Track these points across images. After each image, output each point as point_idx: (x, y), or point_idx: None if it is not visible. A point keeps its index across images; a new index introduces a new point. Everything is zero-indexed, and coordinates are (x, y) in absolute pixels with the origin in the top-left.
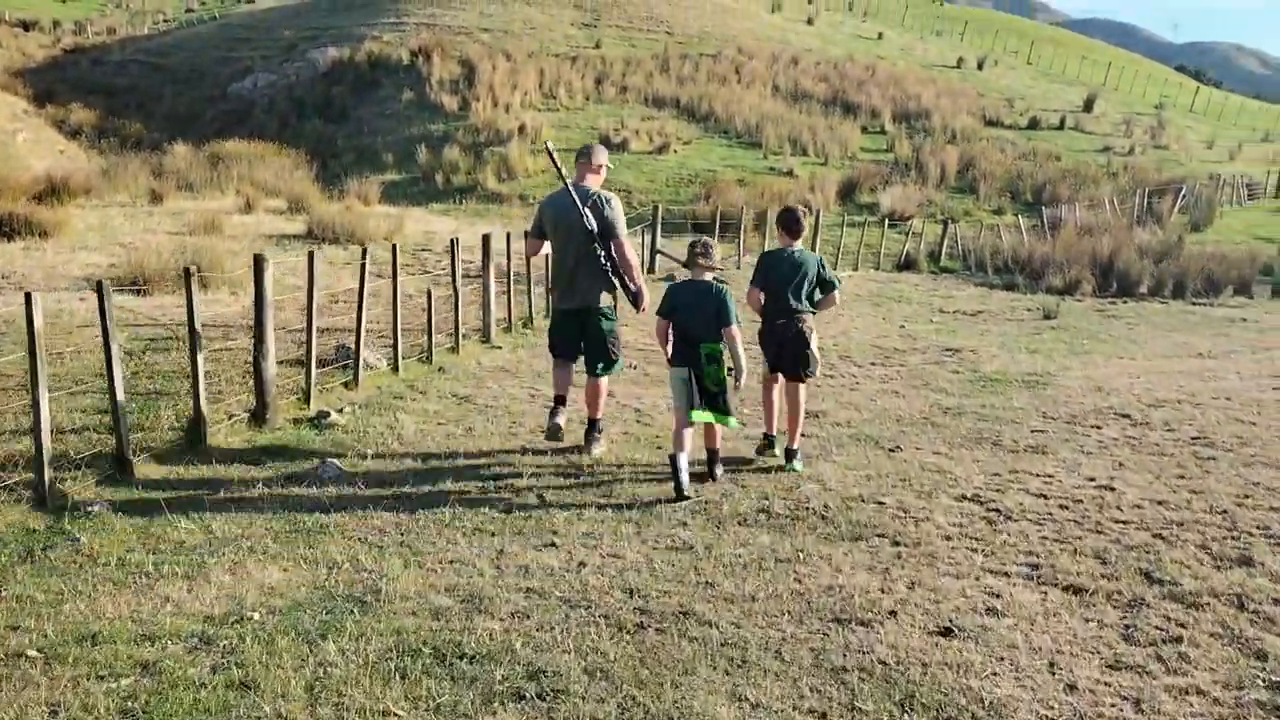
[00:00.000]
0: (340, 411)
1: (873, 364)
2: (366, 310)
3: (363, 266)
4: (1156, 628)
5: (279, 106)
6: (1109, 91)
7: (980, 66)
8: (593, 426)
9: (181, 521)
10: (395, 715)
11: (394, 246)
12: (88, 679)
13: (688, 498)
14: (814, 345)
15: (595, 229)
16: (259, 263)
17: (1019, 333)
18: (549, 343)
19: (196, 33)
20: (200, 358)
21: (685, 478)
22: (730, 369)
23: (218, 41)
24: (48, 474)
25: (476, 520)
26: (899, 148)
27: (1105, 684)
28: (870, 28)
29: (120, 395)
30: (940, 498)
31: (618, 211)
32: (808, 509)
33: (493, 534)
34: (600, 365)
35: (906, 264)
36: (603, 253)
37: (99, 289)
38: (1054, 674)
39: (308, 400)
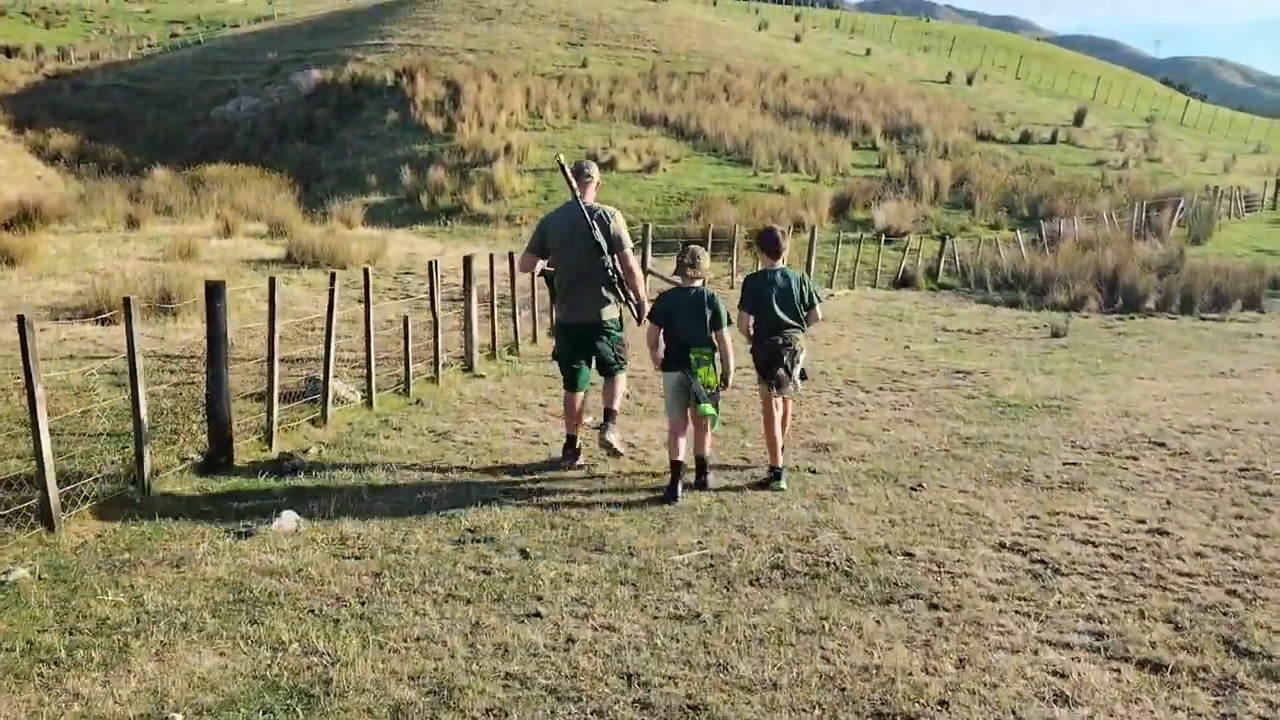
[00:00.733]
0: (306, 452)
1: (881, 389)
2: (342, 339)
3: (331, 292)
4: (1261, 717)
5: (262, 130)
6: (1099, 105)
7: (970, 81)
8: (609, 416)
9: (109, 592)
10: None
11: (365, 271)
12: None
13: (674, 499)
14: (801, 363)
15: (605, 243)
16: (211, 290)
17: (1029, 352)
18: (559, 365)
19: (179, 57)
20: (142, 395)
21: (680, 487)
22: (721, 375)
23: (200, 65)
24: None
25: (449, 583)
26: (891, 163)
27: None
28: (858, 44)
29: (45, 444)
30: (976, 547)
31: (622, 225)
32: (829, 564)
33: (468, 601)
34: (612, 366)
35: (904, 281)
36: (610, 266)
37: (20, 323)
38: None
39: (269, 441)
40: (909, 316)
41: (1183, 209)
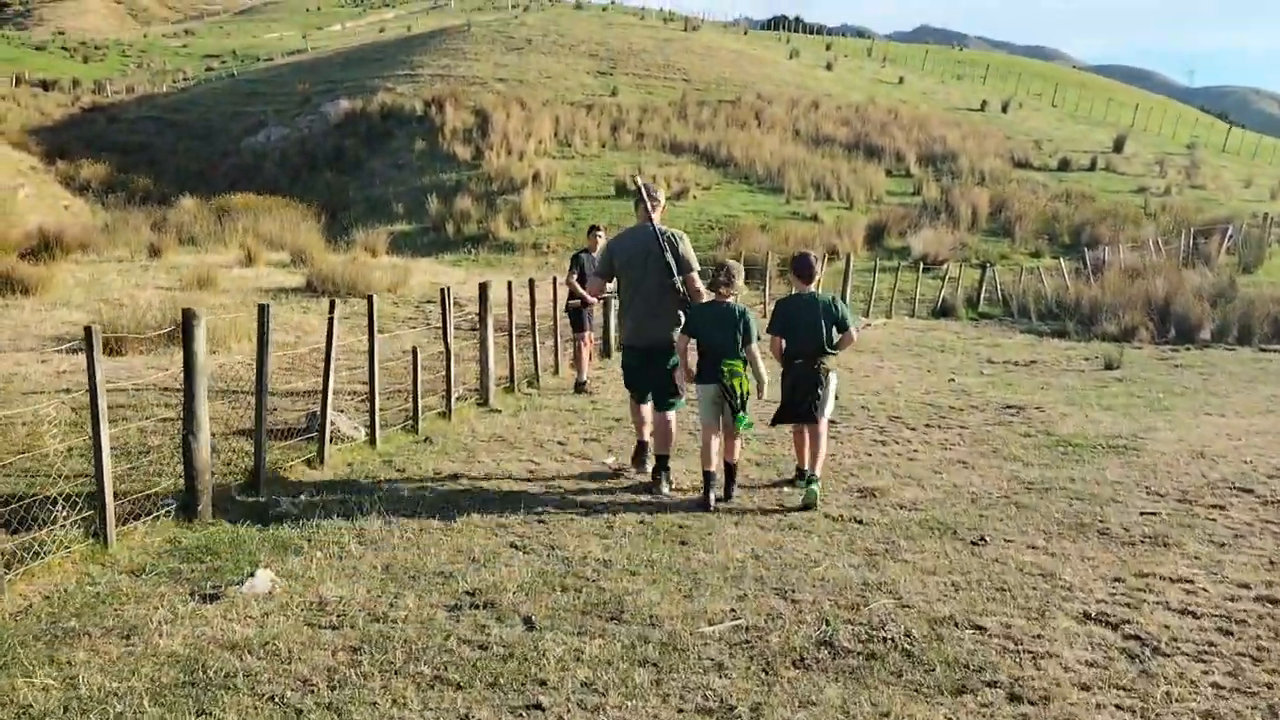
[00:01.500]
0: (297, 497)
1: (928, 425)
2: (356, 369)
3: (330, 320)
4: None
5: (290, 159)
6: (1137, 132)
7: (1005, 109)
8: (661, 463)
9: (40, 671)
10: None
11: (370, 298)
12: None
13: (713, 510)
14: (831, 388)
15: (675, 264)
16: (188, 321)
17: (1083, 386)
18: (625, 381)
19: (212, 89)
20: (105, 436)
21: (714, 495)
22: (755, 386)
23: (232, 97)
24: None
25: (439, 662)
26: (926, 190)
27: None
28: (890, 73)
29: None
30: (1057, 617)
31: (689, 247)
32: (885, 640)
33: (458, 686)
34: (668, 400)
35: (943, 310)
36: (679, 287)
37: None
38: None
39: (257, 484)
40: (951, 347)
41: (1231, 236)
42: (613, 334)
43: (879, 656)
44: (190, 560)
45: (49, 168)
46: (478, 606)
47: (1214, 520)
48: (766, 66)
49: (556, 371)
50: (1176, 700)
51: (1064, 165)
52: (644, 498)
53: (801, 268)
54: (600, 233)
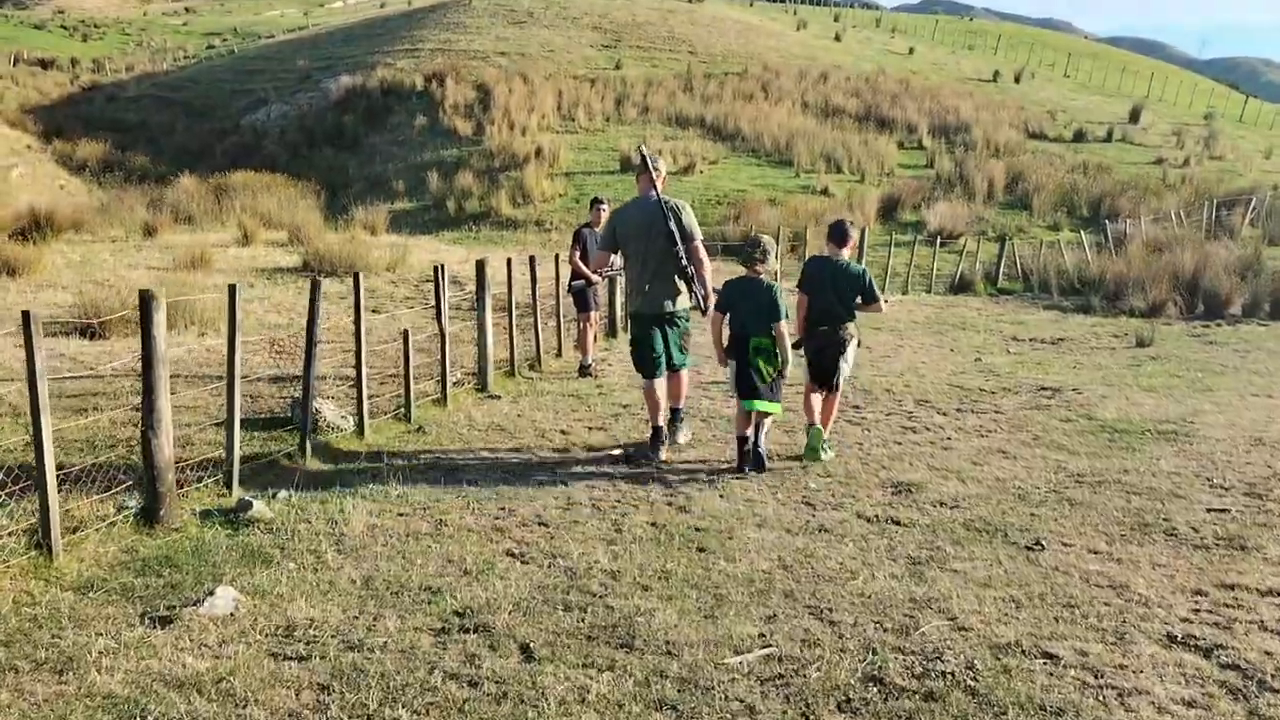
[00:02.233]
0: (273, 498)
1: (960, 410)
2: (341, 355)
3: (313, 301)
4: None
5: (290, 137)
6: (1153, 103)
7: (1017, 80)
8: (675, 415)
9: None
10: None
11: (356, 276)
12: None
13: (746, 474)
14: (850, 354)
15: (678, 234)
16: (145, 303)
17: (1116, 365)
18: (634, 361)
19: (211, 67)
20: (47, 434)
21: (747, 463)
22: (780, 366)
23: (232, 74)
24: None
25: (420, 704)
26: (940, 163)
27: None
28: (900, 44)
29: None
30: (1138, 641)
31: (692, 217)
32: (943, 673)
33: None
34: (677, 360)
35: (961, 286)
36: (682, 256)
37: None
38: None
39: (229, 482)
40: (973, 324)
41: (1255, 208)
42: (619, 313)
43: (939, 696)
44: (146, 574)
45: (45, 147)
46: (468, 630)
47: None
48: (773, 38)
49: (559, 354)
50: None
51: (1079, 136)
52: (655, 495)
53: (837, 233)
54: (604, 206)
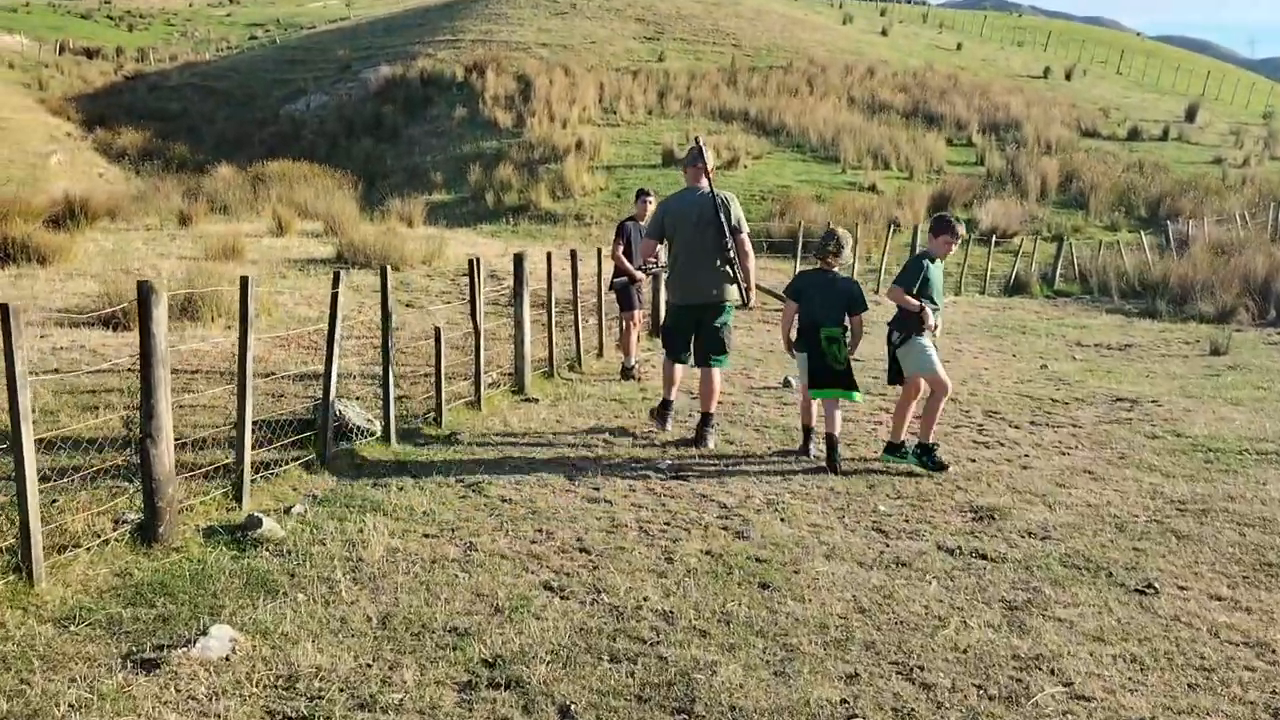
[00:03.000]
0: (286, 513)
1: (1034, 423)
2: (373, 351)
3: (334, 295)
4: None
5: (329, 127)
6: (1208, 101)
7: (1068, 76)
8: (706, 420)
9: None
10: None
11: (383, 269)
12: None
13: (814, 457)
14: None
15: (728, 225)
16: (144, 296)
17: (1193, 374)
18: (663, 339)
19: (253, 56)
20: (27, 443)
21: (813, 447)
22: (849, 354)
23: (273, 64)
24: None
25: None
26: (990, 160)
27: None
28: (947, 39)
29: None
30: None
31: (740, 209)
32: None
33: None
34: (715, 357)
35: (1016, 287)
36: (730, 248)
37: None
38: None
39: (239, 496)
40: (1033, 328)
41: None
42: (663, 308)
43: None
44: (138, 603)
45: (87, 135)
46: (498, 685)
47: None
48: (819, 32)
49: (600, 354)
50: None
51: (1134, 135)
52: (709, 516)
53: (942, 228)
54: (649, 198)
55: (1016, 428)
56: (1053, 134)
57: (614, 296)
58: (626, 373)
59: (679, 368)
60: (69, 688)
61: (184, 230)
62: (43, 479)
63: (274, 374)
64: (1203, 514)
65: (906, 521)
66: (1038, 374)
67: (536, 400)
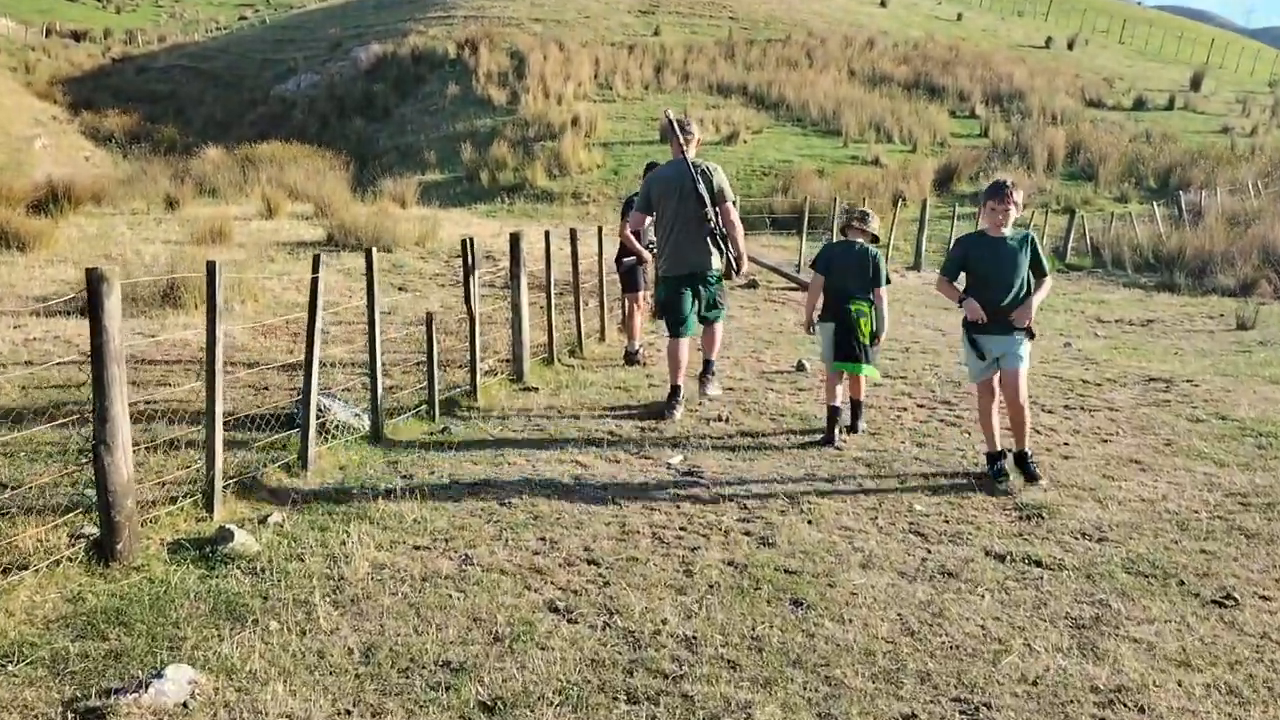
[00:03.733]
0: (261, 523)
1: (1067, 407)
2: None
3: (314, 280)
4: None
5: (319, 107)
6: (1213, 70)
7: (1070, 46)
8: (708, 367)
9: None
10: None
11: (369, 251)
12: None
13: (837, 447)
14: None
15: (708, 196)
16: (94, 285)
17: (1222, 351)
18: (663, 317)
19: (242, 36)
20: None
21: (837, 430)
22: (875, 329)
23: (263, 44)
24: None
25: None
26: (995, 131)
27: None
28: (948, 9)
29: None
30: None
31: (724, 179)
32: None
33: None
34: (714, 313)
35: None
36: (712, 219)
37: None
38: None
39: (210, 504)
40: (1050, 304)
41: None
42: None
43: None
44: (88, 635)
45: (73, 118)
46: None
47: None
48: (817, 3)
49: (603, 338)
50: None
51: (1139, 104)
52: (728, 519)
53: (998, 193)
54: None
55: (1050, 412)
56: (1057, 104)
57: (618, 277)
58: (631, 357)
59: (684, 347)
60: None
61: (171, 214)
62: None
63: (258, 364)
64: (1269, 508)
65: (946, 523)
66: (1062, 352)
67: (536, 389)
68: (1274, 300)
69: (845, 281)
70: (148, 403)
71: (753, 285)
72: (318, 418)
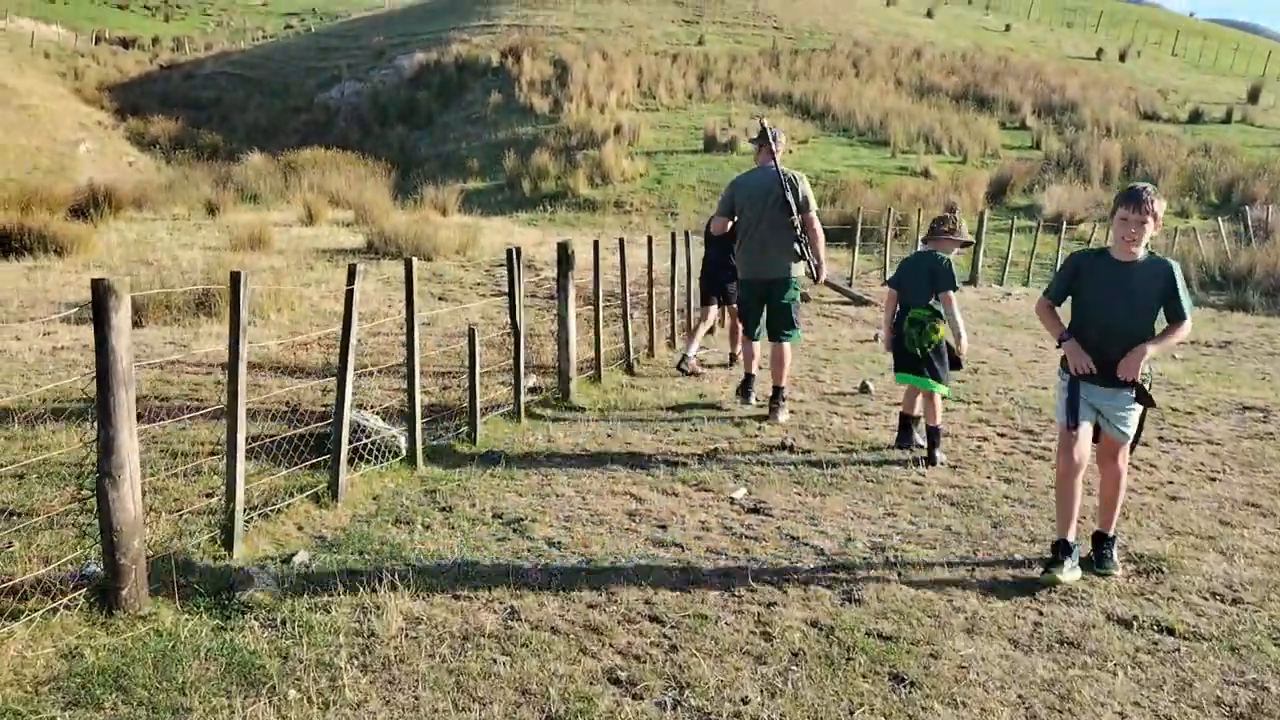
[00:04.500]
0: (286, 562)
1: (1162, 439)
2: (399, 348)
3: (349, 293)
4: None
5: (363, 114)
6: (1270, 82)
7: (1123, 58)
8: (777, 394)
9: None
10: None
11: (408, 262)
12: None
13: (917, 445)
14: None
15: (794, 204)
16: (101, 298)
17: None
18: (741, 319)
19: (288, 45)
20: None
21: (913, 437)
22: (950, 339)
23: (308, 52)
24: None
25: None
26: (1047, 143)
27: None
28: (995, 20)
29: None
30: None
31: (809, 188)
32: None
33: None
34: (784, 332)
35: None
36: (796, 225)
37: None
38: None
39: (229, 541)
40: None
41: None
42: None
43: None
44: (82, 702)
45: (119, 124)
46: None
47: None
48: (863, 13)
49: (651, 353)
50: None
51: (1195, 117)
52: (806, 566)
53: (1133, 200)
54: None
55: (1145, 445)
56: (1111, 116)
57: (702, 286)
58: (682, 362)
59: (756, 345)
60: None
61: (211, 219)
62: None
63: (298, 370)
64: None
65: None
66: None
67: (583, 409)
68: None
69: (906, 291)
70: (173, 417)
71: (804, 299)
72: (351, 441)
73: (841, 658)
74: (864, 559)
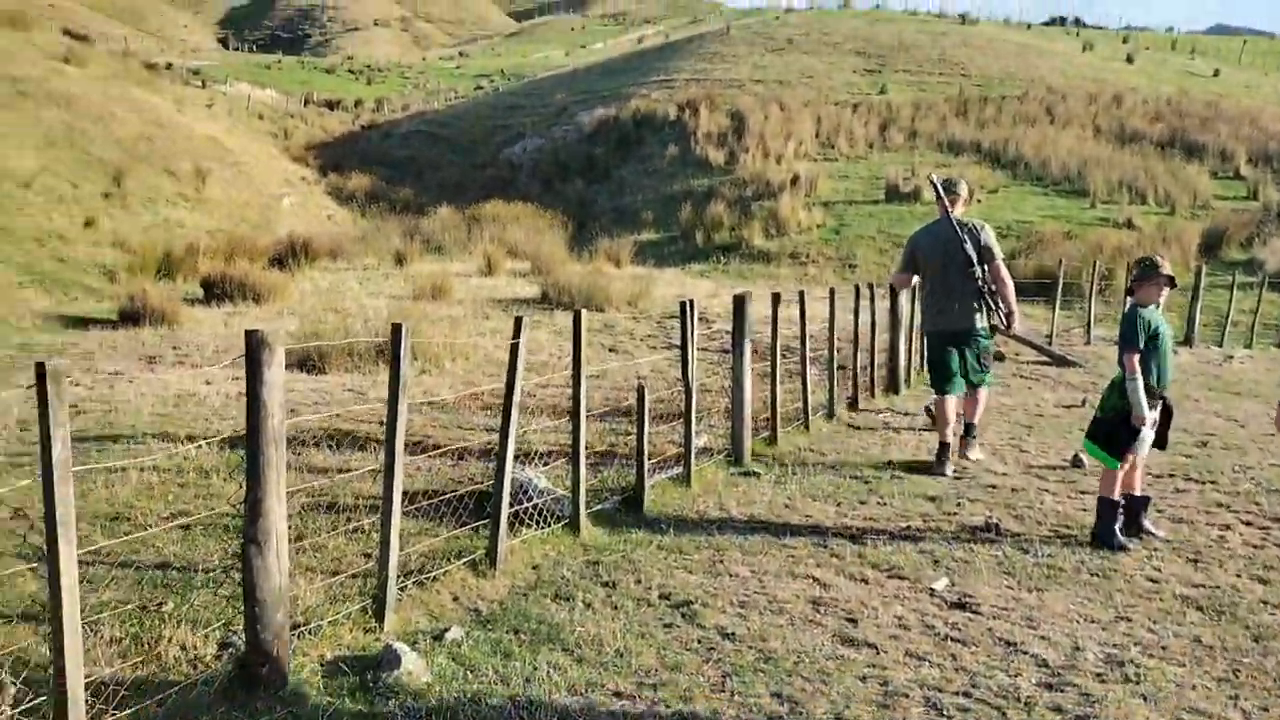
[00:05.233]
0: (438, 639)
1: None
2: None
3: (514, 347)
4: None
5: (543, 169)
6: None
7: None
8: (969, 430)
9: None
10: None
11: (577, 314)
12: None
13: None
14: None
15: (975, 254)
16: (254, 348)
17: None
18: (930, 375)
19: (477, 104)
20: (67, 558)
21: (1144, 524)
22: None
23: (495, 111)
24: None
25: None
26: (1265, 193)
27: None
28: (1203, 65)
29: None
30: None
31: (992, 236)
32: None
33: None
34: (980, 376)
35: None
36: (981, 277)
37: None
38: None
39: (380, 613)
40: None
41: None
42: (901, 361)
43: None
44: None
45: (320, 179)
46: None
47: None
48: (1056, 59)
49: (831, 414)
50: None
51: None
52: (1024, 679)
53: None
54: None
55: None
56: None
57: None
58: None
59: (951, 405)
60: None
61: (399, 270)
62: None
63: (462, 427)
64: None
65: None
66: None
67: (758, 474)
68: None
69: (1157, 366)
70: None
71: (999, 358)
72: (512, 505)
73: None
74: (1098, 675)
